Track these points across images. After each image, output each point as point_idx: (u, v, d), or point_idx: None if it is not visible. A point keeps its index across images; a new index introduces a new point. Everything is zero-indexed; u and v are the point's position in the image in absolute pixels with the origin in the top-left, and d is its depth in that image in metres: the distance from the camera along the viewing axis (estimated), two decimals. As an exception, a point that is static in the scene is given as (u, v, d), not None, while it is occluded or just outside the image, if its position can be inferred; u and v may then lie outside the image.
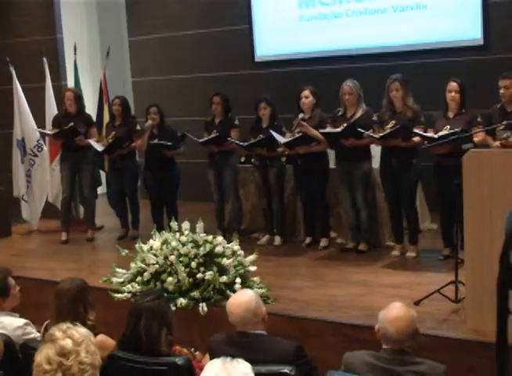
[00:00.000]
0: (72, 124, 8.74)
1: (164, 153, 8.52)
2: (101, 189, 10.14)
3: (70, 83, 10.34)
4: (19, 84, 9.85)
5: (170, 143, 8.43)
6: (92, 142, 8.86)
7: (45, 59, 9.82)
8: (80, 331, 2.57)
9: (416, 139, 6.96)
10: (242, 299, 4.00)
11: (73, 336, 2.53)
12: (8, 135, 10.00)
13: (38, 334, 4.49)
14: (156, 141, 8.52)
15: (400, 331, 3.47)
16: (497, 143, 6.59)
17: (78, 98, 9.08)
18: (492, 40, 8.79)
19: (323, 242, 8.04)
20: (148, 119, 8.62)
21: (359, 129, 7.21)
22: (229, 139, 8.19)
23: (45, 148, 9.88)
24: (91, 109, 10.06)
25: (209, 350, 4.08)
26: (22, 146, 9.86)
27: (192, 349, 4.38)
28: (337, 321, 5.58)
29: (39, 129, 9.62)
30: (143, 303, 4.01)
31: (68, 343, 2.50)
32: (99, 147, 8.78)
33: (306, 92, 7.85)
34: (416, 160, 7.16)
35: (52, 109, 9.78)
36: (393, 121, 7.16)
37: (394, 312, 3.54)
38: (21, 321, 4.58)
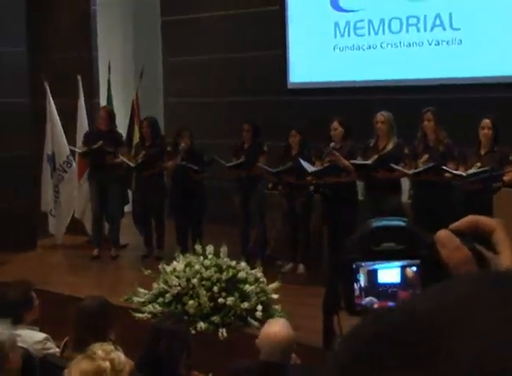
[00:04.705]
0: (101, 143, 8.80)
1: (190, 175, 8.54)
2: (128, 207, 10.16)
3: (103, 101, 10.41)
4: (53, 100, 9.92)
5: (196, 168, 8.45)
6: (124, 158, 8.92)
7: (79, 77, 9.89)
8: (121, 358, 2.53)
9: (449, 174, 6.90)
10: (276, 330, 3.96)
11: (113, 361, 2.48)
12: (39, 149, 10.05)
13: (57, 350, 4.48)
14: (183, 163, 8.53)
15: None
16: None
17: (111, 117, 9.15)
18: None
19: (347, 273, 7.97)
20: (179, 141, 8.65)
21: (392, 165, 7.17)
22: (258, 164, 8.19)
23: (74, 164, 9.92)
24: (122, 128, 10.12)
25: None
26: (52, 161, 9.91)
27: (210, 375, 4.36)
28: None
29: (71, 147, 9.69)
30: (165, 325, 3.99)
31: (107, 366, 2.45)
32: (131, 164, 8.83)
33: (335, 124, 7.87)
34: (451, 193, 7.06)
35: (83, 126, 9.83)
36: (426, 156, 7.12)
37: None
38: (41, 336, 4.57)
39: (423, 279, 0.89)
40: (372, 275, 0.91)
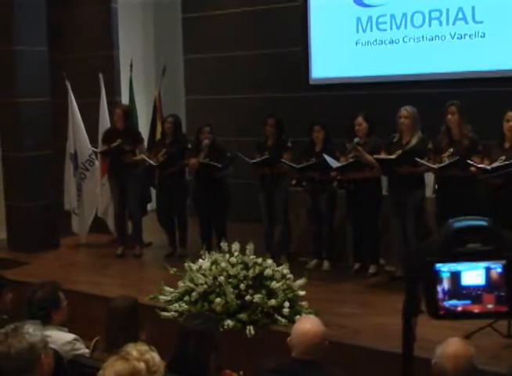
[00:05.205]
0: (119, 141, 8.81)
1: (212, 173, 8.51)
2: (151, 206, 10.16)
3: (125, 99, 10.41)
4: (75, 99, 9.92)
5: (219, 165, 8.41)
6: (145, 157, 8.90)
7: (100, 75, 9.89)
8: (156, 359, 2.50)
9: (474, 168, 6.83)
10: (308, 327, 3.93)
11: (148, 362, 2.45)
12: (62, 148, 10.06)
13: (87, 351, 4.47)
14: (206, 160, 8.51)
15: (458, 369, 3.34)
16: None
17: (127, 115, 9.14)
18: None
19: (372, 269, 7.94)
20: (200, 138, 8.63)
21: (416, 159, 7.11)
22: (282, 160, 8.14)
23: (97, 163, 9.93)
24: (144, 125, 10.10)
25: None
26: (74, 160, 9.92)
27: (241, 373, 4.33)
28: (387, 350, 5.47)
29: (91, 148, 9.69)
30: (192, 326, 3.96)
31: (143, 368, 2.42)
32: (153, 162, 8.82)
33: (359, 119, 7.83)
34: (476, 187, 6.98)
35: (105, 124, 9.81)
36: (450, 150, 7.05)
37: (452, 349, 3.40)
38: (70, 336, 4.55)
39: (508, 280, 0.86)
40: (455, 277, 0.88)
